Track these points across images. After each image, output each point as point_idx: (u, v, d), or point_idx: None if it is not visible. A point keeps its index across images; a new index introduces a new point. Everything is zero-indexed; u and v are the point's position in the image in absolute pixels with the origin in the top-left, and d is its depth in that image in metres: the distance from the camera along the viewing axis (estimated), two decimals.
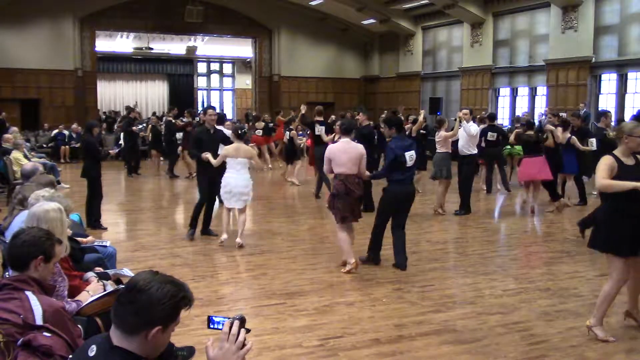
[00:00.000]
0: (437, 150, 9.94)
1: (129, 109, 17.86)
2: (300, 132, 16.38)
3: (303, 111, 12.13)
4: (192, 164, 14.77)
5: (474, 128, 10.12)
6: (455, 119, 10.26)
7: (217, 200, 8.30)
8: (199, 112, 18.93)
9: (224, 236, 7.72)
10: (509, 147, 13.11)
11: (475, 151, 10.27)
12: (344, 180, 6.45)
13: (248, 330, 2.13)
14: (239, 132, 7.60)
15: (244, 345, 2.09)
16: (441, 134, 9.86)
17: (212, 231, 8.28)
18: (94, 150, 8.99)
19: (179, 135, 15.43)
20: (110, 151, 9.39)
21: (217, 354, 2.09)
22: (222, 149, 7.70)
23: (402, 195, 6.64)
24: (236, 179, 7.48)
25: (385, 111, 16.68)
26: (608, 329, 4.85)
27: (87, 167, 9.03)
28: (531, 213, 10.21)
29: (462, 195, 10.14)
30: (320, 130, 11.52)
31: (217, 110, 17.84)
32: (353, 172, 6.48)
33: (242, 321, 2.12)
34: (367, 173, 6.77)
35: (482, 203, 11.43)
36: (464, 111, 10.12)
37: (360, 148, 6.62)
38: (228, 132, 10.88)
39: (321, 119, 11.89)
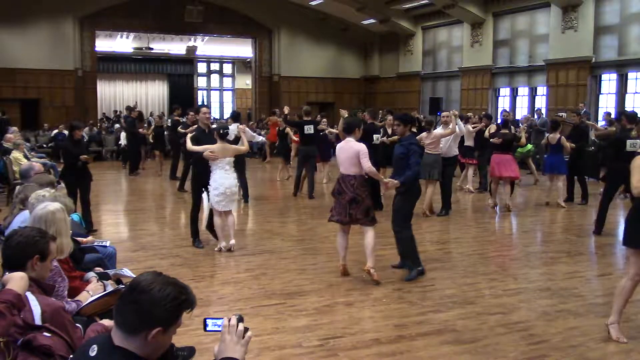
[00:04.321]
0: (428, 152, 9.57)
1: (129, 109, 17.81)
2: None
3: (286, 112, 12.30)
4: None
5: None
6: (448, 117, 10.02)
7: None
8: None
9: (223, 243, 7.51)
10: (519, 148, 13.21)
11: (457, 153, 10.33)
12: (339, 179, 6.32)
13: (247, 329, 2.16)
14: (221, 132, 7.45)
15: (244, 335, 2.14)
16: (436, 133, 9.67)
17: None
18: (65, 154, 8.49)
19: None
20: (81, 157, 8.31)
21: (221, 347, 2.13)
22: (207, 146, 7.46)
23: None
24: (228, 179, 7.41)
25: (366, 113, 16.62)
26: (602, 330, 4.84)
27: (62, 171, 8.63)
28: (508, 210, 10.45)
29: (445, 196, 10.20)
30: (309, 129, 11.69)
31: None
32: (349, 172, 6.22)
33: (240, 319, 2.16)
34: (371, 169, 6.23)
35: (481, 203, 11.42)
36: (454, 111, 10.25)
37: (356, 147, 6.22)
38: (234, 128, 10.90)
39: (309, 118, 12.08)
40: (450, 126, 9.73)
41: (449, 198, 10.26)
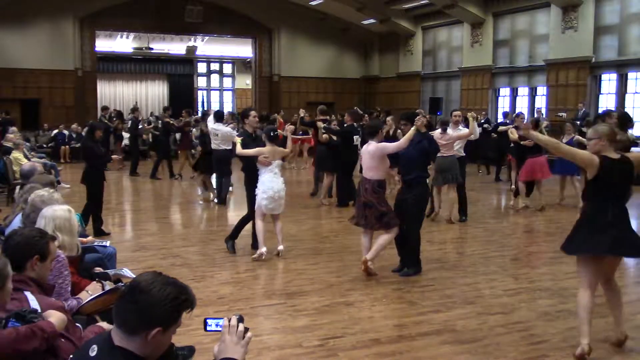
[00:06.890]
0: (444, 155, 8.75)
1: (134, 109, 17.83)
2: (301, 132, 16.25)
3: (302, 114, 12.20)
4: (188, 166, 14.71)
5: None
6: (468, 118, 9.44)
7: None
8: (199, 112, 18.89)
9: (264, 249, 7.07)
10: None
11: (464, 154, 9.71)
12: (360, 181, 6.50)
13: (247, 329, 2.15)
14: (272, 134, 7.13)
15: (244, 336, 2.14)
16: (452, 135, 8.96)
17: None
18: (92, 155, 8.32)
19: (178, 135, 15.51)
20: (113, 156, 8.40)
21: (221, 347, 2.13)
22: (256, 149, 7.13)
23: None
24: (277, 183, 7.11)
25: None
26: (601, 330, 4.82)
27: (86, 173, 8.35)
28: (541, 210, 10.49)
29: (462, 201, 9.69)
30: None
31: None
32: (367, 176, 6.34)
33: (240, 319, 2.16)
34: (395, 175, 6.44)
35: (481, 203, 11.42)
36: (473, 113, 9.84)
37: (371, 148, 6.30)
38: (226, 130, 10.90)
39: (325, 117, 11.88)
40: (469, 128, 9.06)
41: (465, 204, 9.70)
